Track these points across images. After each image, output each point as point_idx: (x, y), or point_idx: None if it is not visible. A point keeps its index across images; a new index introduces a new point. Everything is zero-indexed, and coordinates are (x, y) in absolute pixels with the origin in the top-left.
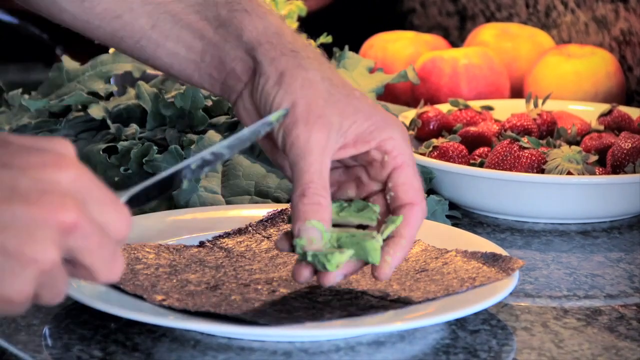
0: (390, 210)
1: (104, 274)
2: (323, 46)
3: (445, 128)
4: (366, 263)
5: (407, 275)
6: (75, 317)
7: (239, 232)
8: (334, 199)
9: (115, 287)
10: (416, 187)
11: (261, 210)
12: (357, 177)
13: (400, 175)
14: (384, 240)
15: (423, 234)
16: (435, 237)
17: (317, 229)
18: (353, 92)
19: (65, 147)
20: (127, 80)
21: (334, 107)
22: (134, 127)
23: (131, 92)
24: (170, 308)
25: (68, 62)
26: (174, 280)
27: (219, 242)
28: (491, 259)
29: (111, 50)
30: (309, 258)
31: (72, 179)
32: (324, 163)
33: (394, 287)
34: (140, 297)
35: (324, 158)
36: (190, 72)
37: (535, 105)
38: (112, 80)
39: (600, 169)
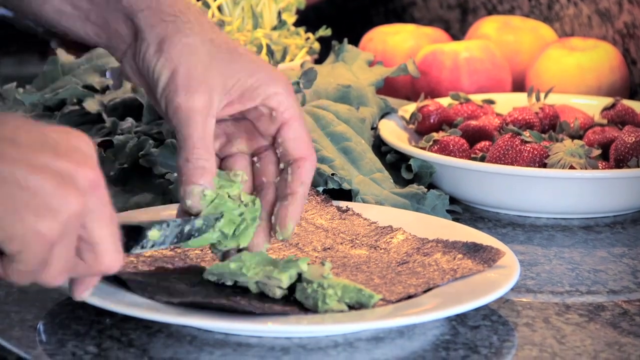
0: (282, 165)
1: (108, 255)
2: (322, 39)
3: (446, 122)
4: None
5: (388, 268)
6: (69, 313)
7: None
8: (224, 151)
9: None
10: (305, 140)
11: None
12: (246, 130)
13: (289, 130)
14: (281, 203)
15: (423, 229)
16: (435, 232)
17: (200, 191)
18: (237, 49)
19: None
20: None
21: (215, 69)
22: (129, 121)
23: (127, 85)
24: (152, 298)
25: (63, 56)
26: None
27: None
28: (472, 250)
29: None
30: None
31: (88, 145)
32: (207, 127)
33: (375, 281)
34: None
35: (206, 123)
36: (77, 29)
37: (538, 99)
38: (107, 74)
39: (603, 163)
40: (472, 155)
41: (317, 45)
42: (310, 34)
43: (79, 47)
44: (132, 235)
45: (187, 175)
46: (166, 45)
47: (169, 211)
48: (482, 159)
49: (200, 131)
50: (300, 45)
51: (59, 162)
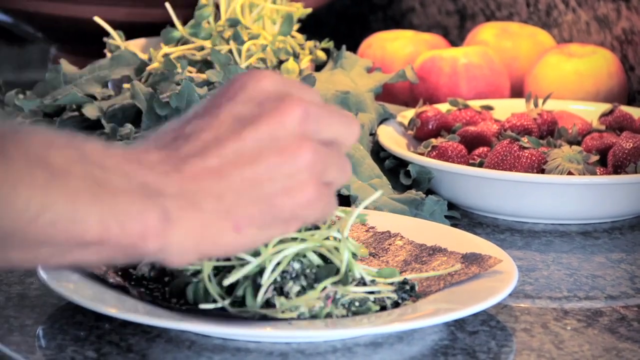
0: None
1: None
2: (322, 49)
3: (444, 128)
4: None
5: None
6: (69, 318)
7: None
8: None
9: (100, 279)
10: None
11: None
12: None
13: None
14: None
15: (421, 234)
16: (434, 238)
17: None
18: None
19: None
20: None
21: None
22: (128, 127)
23: (126, 92)
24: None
25: (66, 66)
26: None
27: None
28: (470, 258)
29: (109, 55)
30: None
31: (299, 118)
32: None
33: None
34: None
35: None
36: None
37: (536, 105)
38: (109, 85)
39: (602, 169)
40: (471, 161)
41: (321, 54)
42: (310, 43)
43: (79, 52)
44: None
45: None
46: None
47: None
48: (481, 165)
49: None
50: (307, 49)
51: (280, 162)
